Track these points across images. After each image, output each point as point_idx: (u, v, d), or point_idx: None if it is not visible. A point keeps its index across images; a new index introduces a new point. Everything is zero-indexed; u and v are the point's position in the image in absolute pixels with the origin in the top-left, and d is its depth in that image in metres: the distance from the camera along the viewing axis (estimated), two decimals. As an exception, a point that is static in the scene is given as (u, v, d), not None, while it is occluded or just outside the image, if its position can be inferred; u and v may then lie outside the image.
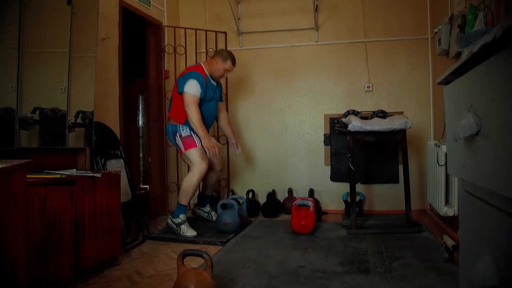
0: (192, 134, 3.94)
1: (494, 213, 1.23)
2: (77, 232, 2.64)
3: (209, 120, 4.13)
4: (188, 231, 3.81)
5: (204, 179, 4.18)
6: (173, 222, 3.88)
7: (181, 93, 3.89)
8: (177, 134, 3.95)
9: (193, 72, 3.96)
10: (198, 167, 3.85)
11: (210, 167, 4.07)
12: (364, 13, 4.87)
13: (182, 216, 3.87)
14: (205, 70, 4.03)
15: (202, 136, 3.88)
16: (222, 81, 4.50)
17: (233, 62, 4.12)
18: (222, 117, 4.43)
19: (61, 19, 3.06)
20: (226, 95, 5.16)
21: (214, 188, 4.69)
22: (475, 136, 1.23)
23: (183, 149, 3.93)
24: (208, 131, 4.06)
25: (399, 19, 4.77)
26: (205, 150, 3.91)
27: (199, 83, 3.88)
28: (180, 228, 3.83)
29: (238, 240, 3.70)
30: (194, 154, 3.88)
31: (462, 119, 1.28)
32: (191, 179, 3.86)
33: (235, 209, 3.99)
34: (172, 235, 3.84)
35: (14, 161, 1.80)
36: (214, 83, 4.13)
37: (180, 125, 3.95)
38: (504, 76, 0.99)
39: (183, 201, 3.90)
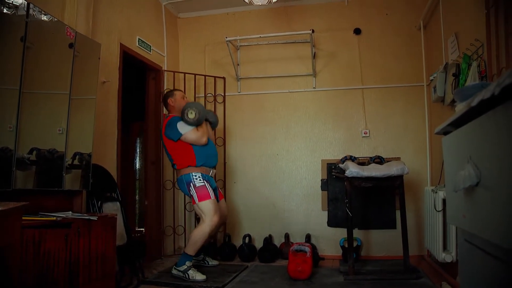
0: (206, 184, 3.94)
1: (494, 263, 1.23)
2: (71, 277, 2.59)
3: (214, 158, 4.16)
4: (197, 275, 3.76)
5: None
6: (179, 271, 3.82)
7: (178, 139, 3.94)
8: (191, 184, 3.92)
9: (173, 117, 4.04)
10: (210, 219, 3.83)
11: None
12: (361, 61, 4.98)
13: (187, 263, 3.83)
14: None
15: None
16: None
17: (177, 90, 4.34)
18: None
19: (63, 62, 3.10)
20: (224, 139, 5.18)
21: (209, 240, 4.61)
22: (475, 187, 1.24)
23: (196, 200, 3.89)
24: (215, 166, 4.20)
25: (395, 67, 4.87)
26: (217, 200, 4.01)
27: (183, 121, 3.97)
28: (187, 274, 3.77)
29: (234, 286, 3.63)
30: (207, 206, 3.86)
31: (461, 170, 1.29)
32: (203, 231, 3.83)
33: None
34: (166, 280, 3.77)
35: (10, 203, 1.79)
36: None
37: (193, 174, 3.94)
38: (503, 130, 1.01)
39: (191, 251, 3.86)
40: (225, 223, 4.83)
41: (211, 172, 4.12)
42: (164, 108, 4.42)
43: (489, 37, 2.73)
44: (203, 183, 3.93)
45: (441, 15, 3.98)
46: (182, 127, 3.94)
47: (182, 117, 3.94)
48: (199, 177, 3.94)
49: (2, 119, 2.61)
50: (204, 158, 4.01)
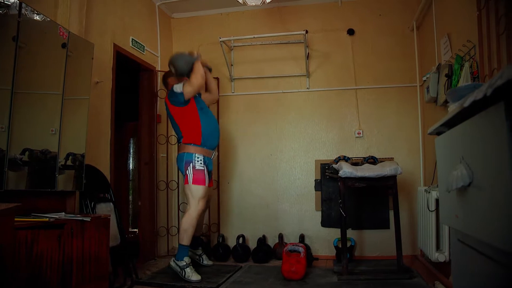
0: (205, 169, 3.95)
1: (486, 262, 1.23)
2: (64, 278, 2.58)
3: (215, 132, 4.16)
4: (193, 275, 3.74)
5: None
6: (177, 265, 3.81)
7: (185, 101, 3.96)
8: (191, 165, 3.92)
9: (173, 86, 4.04)
10: (197, 204, 3.87)
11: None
12: (355, 61, 4.99)
13: (186, 259, 3.82)
14: None
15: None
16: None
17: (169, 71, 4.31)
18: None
19: (56, 62, 3.08)
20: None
21: (201, 230, 4.61)
22: (467, 187, 1.25)
23: (190, 181, 3.90)
24: (218, 144, 4.25)
25: (389, 67, 4.89)
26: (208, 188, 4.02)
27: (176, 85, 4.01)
28: (184, 271, 3.76)
29: (228, 286, 3.63)
30: (198, 192, 3.88)
31: (454, 170, 1.30)
32: (190, 217, 3.85)
33: None
34: (160, 281, 3.76)
35: (2, 204, 1.78)
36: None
37: (196, 155, 3.94)
38: (494, 130, 1.01)
39: (185, 241, 3.85)
40: (209, 207, 4.78)
41: (213, 154, 4.14)
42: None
43: (481, 38, 2.74)
44: (203, 168, 3.93)
45: (434, 16, 4.00)
46: (178, 88, 3.94)
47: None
48: (201, 160, 3.94)
49: (-6, 119, 2.60)
50: (208, 135, 4.02)
